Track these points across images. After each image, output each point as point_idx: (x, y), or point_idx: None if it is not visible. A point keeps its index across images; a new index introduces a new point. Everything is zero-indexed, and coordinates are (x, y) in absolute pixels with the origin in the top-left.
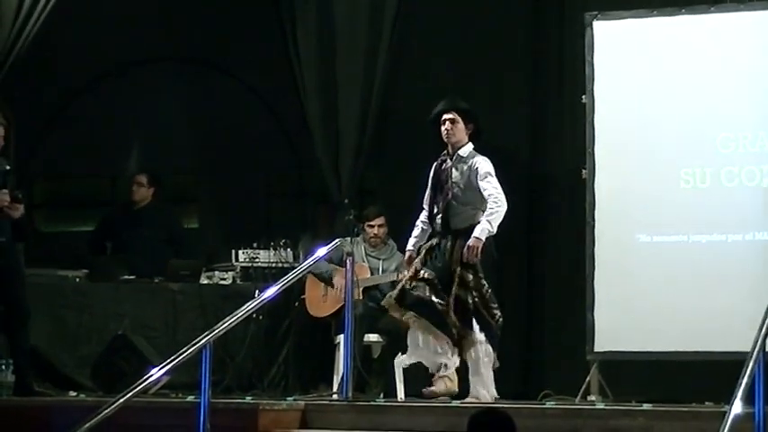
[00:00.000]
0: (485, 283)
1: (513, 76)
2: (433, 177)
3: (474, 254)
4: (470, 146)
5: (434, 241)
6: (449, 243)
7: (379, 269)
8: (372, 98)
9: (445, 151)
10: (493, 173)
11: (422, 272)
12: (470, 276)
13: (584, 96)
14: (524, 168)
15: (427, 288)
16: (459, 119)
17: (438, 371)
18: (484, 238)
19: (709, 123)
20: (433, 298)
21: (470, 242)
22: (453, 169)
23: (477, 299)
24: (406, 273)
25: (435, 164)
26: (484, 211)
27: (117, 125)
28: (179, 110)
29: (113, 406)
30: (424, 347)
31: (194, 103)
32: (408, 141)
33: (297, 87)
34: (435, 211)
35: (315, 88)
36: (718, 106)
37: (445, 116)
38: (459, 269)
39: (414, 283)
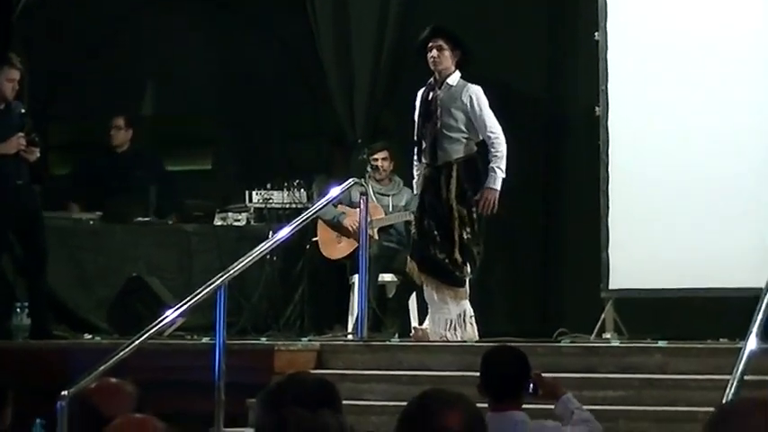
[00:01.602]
0: (475, 218)
1: (529, 12)
2: (420, 107)
3: (491, 206)
4: (458, 74)
5: (425, 173)
6: (443, 176)
7: (389, 206)
8: (386, 37)
9: (432, 79)
10: (487, 104)
11: (425, 222)
12: (465, 211)
13: (596, 33)
14: (540, 107)
15: (430, 245)
16: (446, 46)
17: (447, 327)
18: (499, 187)
19: (726, 58)
20: (438, 254)
21: (486, 194)
22: (443, 98)
23: (469, 235)
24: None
25: (422, 93)
26: (475, 142)
27: (133, 67)
28: (194, 52)
29: (129, 348)
30: (438, 302)
31: (209, 44)
32: (423, 80)
33: (311, 27)
34: (423, 144)
35: (329, 28)
36: (735, 41)
37: (431, 43)
38: (456, 204)
39: (418, 237)
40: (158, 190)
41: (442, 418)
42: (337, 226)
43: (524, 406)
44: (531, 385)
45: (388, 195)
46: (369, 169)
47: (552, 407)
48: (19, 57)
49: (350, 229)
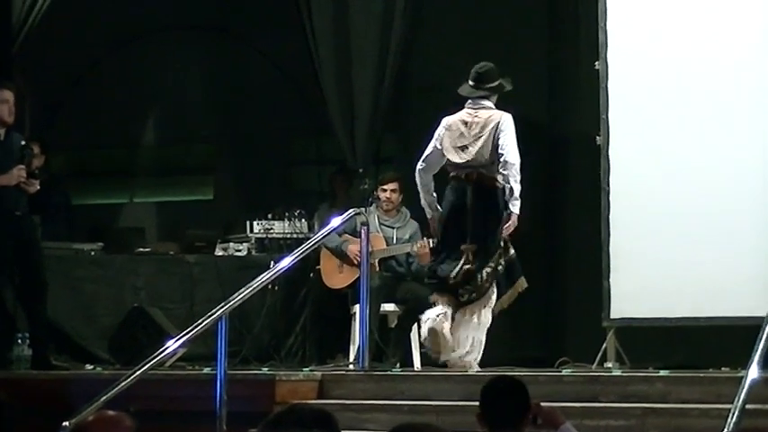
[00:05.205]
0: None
1: (530, 41)
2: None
3: (513, 230)
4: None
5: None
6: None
7: (393, 238)
8: (387, 64)
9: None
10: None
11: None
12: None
13: (597, 63)
14: (541, 135)
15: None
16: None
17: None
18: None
19: (725, 87)
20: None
21: (514, 222)
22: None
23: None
24: (421, 242)
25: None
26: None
27: (134, 95)
28: (196, 79)
29: (130, 378)
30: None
31: (211, 71)
32: (426, 108)
33: (311, 55)
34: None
35: (329, 55)
36: (734, 71)
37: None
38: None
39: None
40: (68, 217)
41: None
42: (341, 254)
43: None
44: (531, 415)
45: (393, 227)
46: (376, 198)
47: None
48: (14, 83)
49: (353, 259)
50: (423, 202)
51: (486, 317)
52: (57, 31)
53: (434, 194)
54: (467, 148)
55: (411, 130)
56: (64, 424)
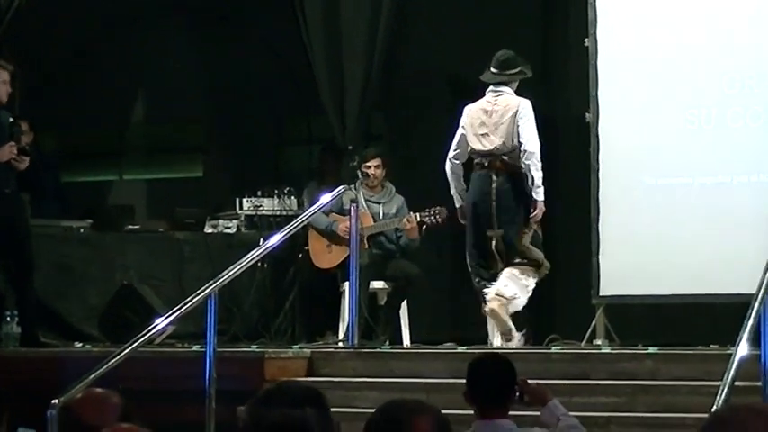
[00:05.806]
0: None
1: (520, 19)
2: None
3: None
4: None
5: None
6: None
7: (379, 213)
8: (377, 44)
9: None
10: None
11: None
12: None
13: (586, 40)
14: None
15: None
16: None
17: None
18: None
19: (715, 64)
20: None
21: (540, 209)
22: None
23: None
24: (408, 216)
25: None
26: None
27: (125, 75)
28: (186, 59)
29: (120, 356)
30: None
31: (201, 52)
32: (416, 88)
33: (301, 35)
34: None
35: (319, 36)
36: (724, 46)
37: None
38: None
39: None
40: (58, 195)
41: (413, 425)
42: (331, 234)
43: (511, 413)
44: (517, 392)
45: (379, 203)
46: (360, 176)
47: (539, 413)
48: (9, 63)
49: (343, 236)
50: (453, 191)
51: (531, 283)
52: (54, 11)
53: (464, 185)
54: (488, 135)
55: (399, 109)
56: (53, 401)
